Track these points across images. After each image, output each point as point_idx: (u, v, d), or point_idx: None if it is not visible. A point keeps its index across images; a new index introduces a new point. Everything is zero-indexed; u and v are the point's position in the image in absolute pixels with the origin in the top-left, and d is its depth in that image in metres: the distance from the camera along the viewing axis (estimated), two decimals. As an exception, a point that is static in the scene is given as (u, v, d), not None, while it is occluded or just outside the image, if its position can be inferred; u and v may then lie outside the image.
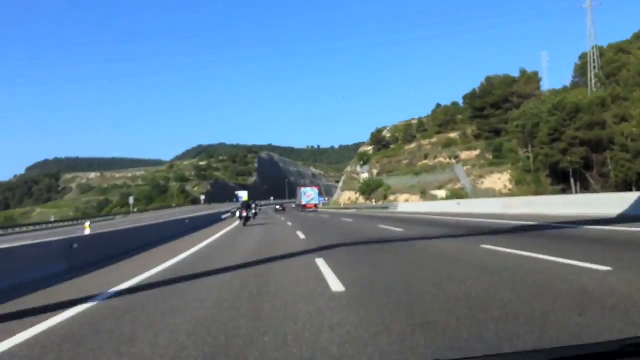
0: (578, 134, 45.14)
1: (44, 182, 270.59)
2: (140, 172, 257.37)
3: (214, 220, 36.85)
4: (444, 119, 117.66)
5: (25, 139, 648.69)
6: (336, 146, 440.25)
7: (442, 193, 54.82)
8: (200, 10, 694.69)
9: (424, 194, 58.71)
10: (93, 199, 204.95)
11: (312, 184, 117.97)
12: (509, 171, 54.09)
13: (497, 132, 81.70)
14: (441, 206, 36.34)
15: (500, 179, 53.51)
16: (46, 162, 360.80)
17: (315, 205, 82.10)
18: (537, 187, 48.38)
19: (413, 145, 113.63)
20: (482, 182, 55.01)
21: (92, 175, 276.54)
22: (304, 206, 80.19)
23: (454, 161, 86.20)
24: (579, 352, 1.12)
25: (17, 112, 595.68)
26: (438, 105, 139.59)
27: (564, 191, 45.47)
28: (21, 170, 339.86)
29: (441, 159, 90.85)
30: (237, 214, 31.01)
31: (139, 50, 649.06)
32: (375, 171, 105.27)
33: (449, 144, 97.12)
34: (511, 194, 47.09)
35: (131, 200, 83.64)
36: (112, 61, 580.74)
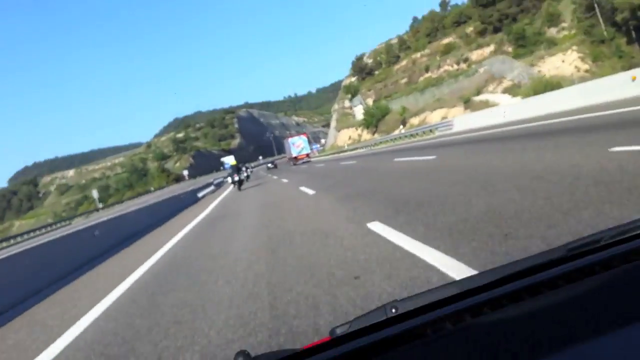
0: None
1: (22, 191, 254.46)
2: (118, 159, 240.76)
3: (176, 208, 22.47)
4: (431, 26, 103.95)
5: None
6: (313, 90, 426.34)
7: (497, 97, 40.07)
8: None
9: (468, 103, 44.16)
10: (72, 199, 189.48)
11: (298, 133, 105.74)
12: (574, 48, 39.48)
13: (512, 19, 67.19)
14: (582, 96, 19.78)
15: (564, 61, 39.11)
16: (26, 169, 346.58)
17: (307, 155, 73.42)
18: (625, 60, 34.36)
19: (404, 63, 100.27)
20: (540, 71, 40.64)
21: (71, 172, 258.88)
22: (295, 158, 71.45)
23: (463, 66, 72.07)
24: (527, 265, 1.13)
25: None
26: (415, 19, 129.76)
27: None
28: (3, 184, 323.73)
29: (447, 68, 76.98)
30: (229, 179, 29.96)
31: (103, 35, 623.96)
32: (370, 100, 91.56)
33: (448, 49, 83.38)
34: (593, 75, 32.94)
35: (95, 194, 68.03)
36: (75, 50, 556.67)
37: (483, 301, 1.05)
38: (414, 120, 53.71)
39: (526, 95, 33.73)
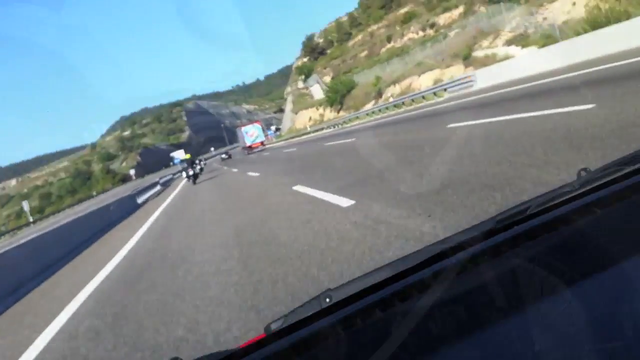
0: None
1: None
2: (63, 164, 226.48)
3: (91, 232, 14.63)
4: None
5: None
6: (262, 77, 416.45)
7: (504, 50, 33.14)
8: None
9: (469, 60, 37.27)
10: (13, 211, 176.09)
11: (250, 121, 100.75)
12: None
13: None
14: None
15: (575, 4, 31.98)
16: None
17: (262, 143, 71.63)
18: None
19: (359, 37, 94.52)
20: (545, 19, 33.96)
21: (13, 182, 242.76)
22: (250, 147, 69.63)
23: (430, 32, 65.88)
24: (457, 241, 1.13)
25: None
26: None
27: None
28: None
29: (412, 36, 70.93)
30: (184, 174, 30.46)
31: (44, 36, 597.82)
32: (327, 78, 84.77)
33: (409, 18, 77.27)
34: (610, 16, 26.35)
35: (25, 206, 58.71)
36: (10, 51, 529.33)
37: (410, 284, 1.04)
38: (394, 90, 46.74)
39: (542, 44, 27.03)
